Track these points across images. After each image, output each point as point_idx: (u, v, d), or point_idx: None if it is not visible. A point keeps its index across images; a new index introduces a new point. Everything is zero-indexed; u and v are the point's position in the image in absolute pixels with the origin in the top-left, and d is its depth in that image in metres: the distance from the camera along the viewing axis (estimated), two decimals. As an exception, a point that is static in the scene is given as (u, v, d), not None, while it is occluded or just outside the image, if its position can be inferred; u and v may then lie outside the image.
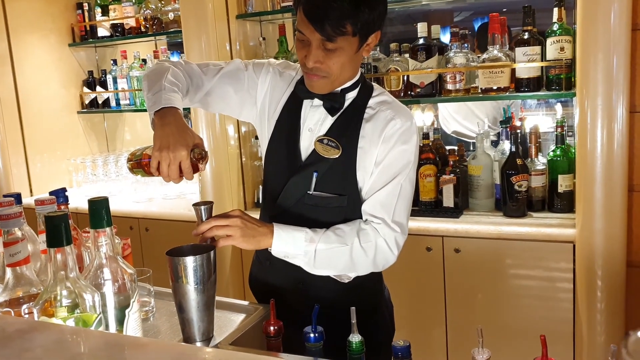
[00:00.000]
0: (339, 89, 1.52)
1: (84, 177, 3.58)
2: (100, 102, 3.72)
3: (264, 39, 2.93)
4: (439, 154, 2.73)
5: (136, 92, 3.49)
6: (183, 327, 1.40)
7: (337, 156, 1.50)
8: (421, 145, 2.70)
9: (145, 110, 2.66)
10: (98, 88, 3.71)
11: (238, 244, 1.44)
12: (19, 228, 1.09)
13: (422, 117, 3.52)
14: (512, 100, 3.06)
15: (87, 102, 3.76)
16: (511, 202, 2.45)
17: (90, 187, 3.51)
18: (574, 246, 2.25)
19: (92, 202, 1.10)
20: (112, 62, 3.68)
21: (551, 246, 2.30)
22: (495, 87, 2.47)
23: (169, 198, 3.31)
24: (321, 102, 1.53)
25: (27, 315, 1.06)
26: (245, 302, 1.59)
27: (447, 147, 2.86)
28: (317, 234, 1.46)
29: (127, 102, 3.57)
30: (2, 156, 3.42)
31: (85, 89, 3.75)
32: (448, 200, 2.60)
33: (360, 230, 1.48)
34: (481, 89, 2.51)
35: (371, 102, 1.54)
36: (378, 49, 2.83)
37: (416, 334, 2.60)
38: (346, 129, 1.51)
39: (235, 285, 2.88)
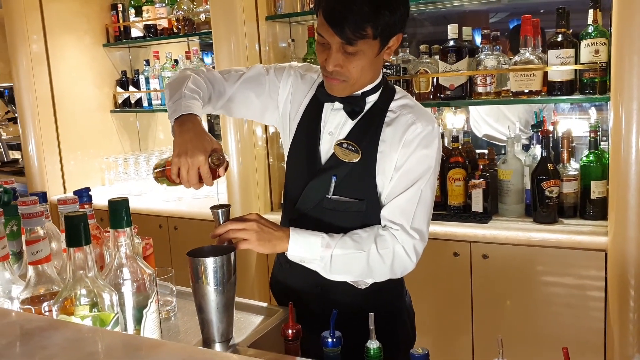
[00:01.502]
0: (360, 92, 1.51)
1: (115, 175, 3.64)
2: (132, 101, 3.77)
3: (293, 40, 2.93)
4: (469, 158, 2.68)
5: (167, 92, 3.53)
6: (202, 327, 1.40)
7: (356, 160, 1.48)
8: (450, 148, 2.66)
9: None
10: (131, 88, 3.76)
11: (254, 248, 1.44)
12: (41, 227, 1.10)
13: (451, 119, 3.48)
14: (545, 104, 3.00)
15: (120, 101, 3.83)
16: (541, 208, 2.39)
17: (122, 186, 3.57)
18: (606, 254, 2.19)
19: (112, 203, 1.10)
20: (144, 62, 3.73)
21: (582, 254, 2.24)
22: (526, 91, 2.41)
23: (197, 197, 3.34)
24: (342, 106, 1.52)
25: (47, 313, 1.07)
26: (265, 304, 1.58)
27: (478, 151, 2.81)
28: (334, 239, 1.45)
29: (159, 102, 3.62)
30: (37, 154, 3.51)
31: (119, 89, 3.81)
32: (477, 205, 2.55)
33: (378, 237, 1.46)
34: (512, 92, 2.46)
35: (392, 105, 1.52)
36: (408, 50, 2.81)
37: (442, 340, 2.57)
38: (366, 133, 1.49)
39: (261, 287, 2.89)
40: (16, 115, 3.63)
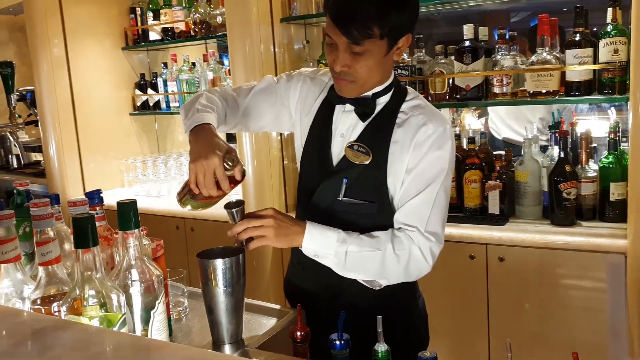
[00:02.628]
0: (370, 93, 1.50)
1: (134, 177, 3.68)
2: (151, 104, 3.81)
3: (307, 42, 2.93)
4: (486, 159, 2.66)
5: (185, 95, 3.56)
6: (212, 328, 1.41)
7: (367, 162, 1.47)
8: (466, 149, 2.64)
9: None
10: (149, 90, 3.80)
11: (271, 244, 1.44)
12: (51, 228, 1.12)
13: (469, 121, 3.45)
14: (564, 105, 2.96)
15: (138, 104, 3.87)
16: (559, 210, 2.36)
17: (140, 187, 3.60)
18: (626, 257, 2.14)
19: (121, 205, 1.11)
20: (162, 65, 3.76)
21: (601, 257, 2.20)
22: (544, 91, 2.38)
23: (214, 199, 3.36)
24: (353, 108, 1.52)
25: (56, 313, 1.08)
26: (277, 306, 1.59)
27: (495, 152, 2.79)
28: (351, 236, 1.44)
29: (177, 104, 3.65)
30: (58, 156, 3.56)
31: (137, 92, 3.85)
32: (493, 207, 2.53)
33: (394, 237, 1.45)
34: (529, 92, 2.43)
35: (404, 106, 1.51)
36: (424, 51, 2.79)
37: (458, 343, 2.54)
38: (377, 135, 1.48)
39: (276, 289, 2.89)
40: (38, 118, 3.68)
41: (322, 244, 1.44)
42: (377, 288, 1.53)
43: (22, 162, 2.72)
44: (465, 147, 2.67)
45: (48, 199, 1.18)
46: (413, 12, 1.40)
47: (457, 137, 2.75)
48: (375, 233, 1.46)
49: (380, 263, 1.44)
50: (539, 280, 2.32)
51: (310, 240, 1.44)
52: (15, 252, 1.16)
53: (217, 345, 1.40)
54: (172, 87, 3.63)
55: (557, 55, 2.40)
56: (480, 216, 2.54)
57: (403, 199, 1.47)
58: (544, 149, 2.70)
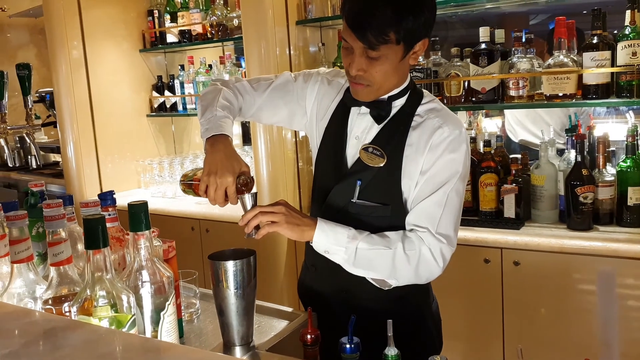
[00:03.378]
0: (386, 96, 1.49)
1: (150, 178, 3.71)
2: (168, 106, 3.84)
3: (323, 44, 2.93)
4: (502, 163, 2.63)
5: (201, 96, 3.58)
6: (223, 330, 1.41)
7: (381, 165, 1.47)
8: (482, 152, 2.62)
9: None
10: (166, 92, 3.83)
11: (282, 231, 1.43)
12: (62, 229, 1.13)
13: (486, 123, 3.42)
14: (582, 108, 2.92)
15: (155, 105, 3.90)
16: (575, 215, 2.33)
17: (156, 189, 3.63)
18: (644, 263, 2.11)
19: (132, 206, 1.12)
20: (179, 67, 3.79)
21: (618, 262, 2.17)
22: (560, 94, 2.36)
23: (229, 201, 3.37)
24: (368, 110, 1.51)
25: (67, 313, 1.09)
26: (288, 308, 1.59)
27: (511, 155, 2.76)
28: (361, 233, 1.44)
29: (193, 106, 3.67)
30: (75, 157, 3.60)
31: (154, 93, 3.88)
32: (509, 211, 2.50)
33: (405, 238, 1.44)
34: (546, 95, 2.40)
35: (420, 109, 1.50)
36: (440, 53, 2.77)
37: (472, 348, 2.52)
38: (392, 138, 1.48)
39: (290, 291, 2.90)
40: (56, 119, 3.73)
41: (333, 239, 1.43)
42: (387, 288, 1.52)
43: (39, 163, 2.74)
44: (481, 150, 2.65)
45: (61, 200, 1.20)
46: (430, 17, 1.39)
47: (473, 140, 2.73)
48: (386, 233, 1.46)
49: (391, 262, 1.44)
50: (554, 285, 2.29)
51: (321, 235, 1.43)
52: (27, 252, 1.17)
53: (227, 347, 1.41)
54: (189, 89, 3.66)
55: (575, 58, 2.38)
56: (495, 220, 2.52)
57: (415, 201, 1.47)
58: (561, 152, 2.67)
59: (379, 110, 1.50)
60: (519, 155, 2.68)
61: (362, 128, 1.54)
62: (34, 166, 4.32)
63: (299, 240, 1.50)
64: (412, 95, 1.52)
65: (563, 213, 2.42)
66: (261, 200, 2.89)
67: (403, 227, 1.49)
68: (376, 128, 1.51)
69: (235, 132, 4.17)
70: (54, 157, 4.48)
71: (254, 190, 1.46)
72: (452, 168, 1.44)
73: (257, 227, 1.43)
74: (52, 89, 3.78)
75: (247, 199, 1.44)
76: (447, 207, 1.44)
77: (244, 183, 1.42)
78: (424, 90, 1.57)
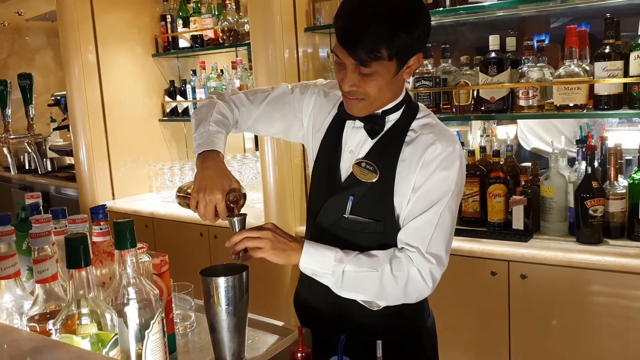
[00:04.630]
0: (380, 110, 1.47)
1: (162, 182, 3.72)
2: (180, 110, 3.85)
3: (332, 51, 2.91)
4: (512, 173, 2.59)
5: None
6: (214, 346, 1.40)
7: (374, 180, 1.45)
8: (491, 162, 2.58)
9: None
10: (178, 97, 3.84)
11: (268, 257, 1.43)
12: (49, 246, 1.12)
13: (500, 132, 3.36)
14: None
15: (168, 110, 3.91)
16: (585, 228, 2.27)
17: (167, 194, 3.64)
18: (655, 279, 2.06)
19: (117, 224, 1.11)
20: (191, 72, 3.80)
21: (629, 278, 2.11)
22: (571, 105, 2.31)
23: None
24: (362, 124, 1.49)
25: (51, 330, 1.09)
26: (281, 323, 1.57)
27: (522, 164, 2.71)
28: (348, 255, 1.42)
29: (205, 111, 3.67)
30: (88, 161, 3.63)
31: (167, 98, 3.90)
32: (517, 222, 2.46)
33: (393, 258, 1.42)
34: (556, 105, 2.35)
35: (414, 124, 1.48)
36: (450, 61, 2.74)
37: (478, 361, 2.48)
38: (385, 153, 1.46)
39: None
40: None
41: (319, 263, 1.42)
42: (375, 309, 1.50)
43: (40, 171, 2.81)
44: (489, 160, 2.60)
45: (50, 216, 1.19)
46: (423, 32, 1.36)
47: (483, 149, 2.68)
48: (375, 252, 1.44)
49: (378, 284, 1.41)
50: (562, 300, 2.24)
51: (308, 259, 1.43)
52: (14, 268, 1.17)
53: (219, 363, 1.39)
54: (201, 94, 3.66)
55: (586, 67, 2.32)
56: (503, 231, 2.47)
57: (407, 218, 1.44)
58: (572, 161, 2.61)
59: (372, 124, 1.47)
60: (529, 164, 2.63)
61: (356, 142, 1.52)
62: (49, 169, 4.38)
63: (287, 264, 1.49)
64: (407, 109, 1.50)
65: (573, 225, 2.37)
66: (268, 207, 2.89)
67: (396, 243, 1.46)
68: (370, 142, 1.49)
69: (247, 136, 4.18)
70: (69, 160, 4.53)
71: (243, 211, 1.46)
72: (444, 186, 1.41)
73: (245, 250, 1.44)
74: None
75: (235, 222, 1.44)
76: (438, 226, 1.41)
77: (234, 200, 1.42)
78: (420, 104, 1.55)
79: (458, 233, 2.39)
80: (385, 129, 1.48)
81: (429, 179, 1.41)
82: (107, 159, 3.71)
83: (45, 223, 1.19)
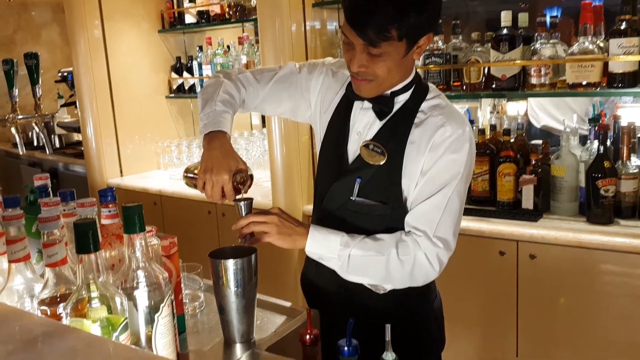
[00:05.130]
0: (389, 91, 1.44)
1: (169, 160, 3.71)
2: (187, 87, 3.82)
3: (340, 26, 2.87)
4: (522, 152, 2.56)
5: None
6: (223, 327, 1.41)
7: (382, 163, 1.43)
8: (501, 141, 2.55)
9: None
10: (184, 74, 3.81)
11: (273, 241, 1.44)
12: (58, 230, 1.12)
13: (510, 109, 3.32)
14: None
15: (174, 87, 3.89)
16: (596, 208, 2.25)
17: (175, 171, 3.64)
18: (666, 260, 2.04)
19: (125, 209, 1.11)
20: (198, 48, 3.76)
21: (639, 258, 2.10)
22: (584, 82, 2.27)
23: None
24: (370, 105, 1.47)
25: (62, 314, 1.09)
26: (288, 304, 1.57)
27: (532, 142, 2.68)
28: (354, 239, 1.42)
29: (212, 87, 3.64)
30: (95, 137, 3.62)
31: (173, 75, 3.87)
32: (527, 202, 2.44)
33: (400, 242, 1.41)
34: (569, 83, 2.31)
35: (424, 105, 1.45)
36: (461, 37, 2.69)
37: (485, 341, 2.49)
38: (394, 134, 1.43)
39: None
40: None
41: (325, 248, 1.42)
42: (382, 292, 1.50)
43: (48, 151, 2.80)
44: (499, 138, 2.57)
45: (59, 199, 1.19)
46: (434, 11, 1.33)
47: (494, 127, 2.65)
48: (381, 236, 1.43)
49: (384, 268, 1.41)
50: (571, 281, 2.23)
51: (313, 243, 1.42)
52: (24, 251, 1.17)
53: (228, 344, 1.40)
54: (207, 70, 3.63)
55: (601, 44, 2.28)
56: (513, 211, 2.45)
57: (415, 202, 1.43)
58: (584, 140, 2.58)
59: (381, 105, 1.45)
60: (539, 142, 2.60)
61: (364, 123, 1.49)
62: (58, 146, 4.39)
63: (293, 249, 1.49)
64: (416, 90, 1.47)
65: (583, 205, 2.35)
66: (276, 188, 2.88)
67: (403, 226, 1.45)
68: (378, 124, 1.47)
69: (254, 113, 4.15)
70: (77, 137, 4.52)
71: (250, 191, 1.45)
72: (453, 169, 1.39)
73: (251, 234, 1.44)
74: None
75: (242, 206, 1.44)
76: (446, 210, 1.39)
77: (241, 181, 1.42)
78: (430, 85, 1.52)
79: (467, 212, 2.37)
80: (394, 110, 1.46)
81: (437, 162, 1.39)
82: (115, 136, 3.70)
83: (54, 207, 1.18)
